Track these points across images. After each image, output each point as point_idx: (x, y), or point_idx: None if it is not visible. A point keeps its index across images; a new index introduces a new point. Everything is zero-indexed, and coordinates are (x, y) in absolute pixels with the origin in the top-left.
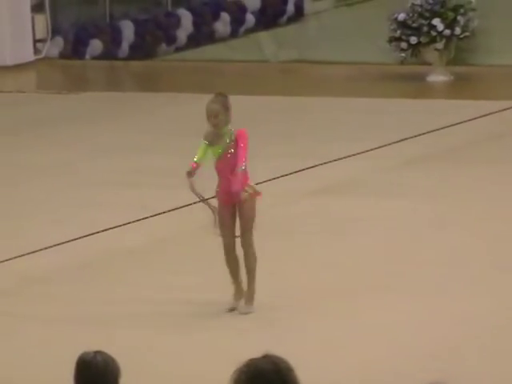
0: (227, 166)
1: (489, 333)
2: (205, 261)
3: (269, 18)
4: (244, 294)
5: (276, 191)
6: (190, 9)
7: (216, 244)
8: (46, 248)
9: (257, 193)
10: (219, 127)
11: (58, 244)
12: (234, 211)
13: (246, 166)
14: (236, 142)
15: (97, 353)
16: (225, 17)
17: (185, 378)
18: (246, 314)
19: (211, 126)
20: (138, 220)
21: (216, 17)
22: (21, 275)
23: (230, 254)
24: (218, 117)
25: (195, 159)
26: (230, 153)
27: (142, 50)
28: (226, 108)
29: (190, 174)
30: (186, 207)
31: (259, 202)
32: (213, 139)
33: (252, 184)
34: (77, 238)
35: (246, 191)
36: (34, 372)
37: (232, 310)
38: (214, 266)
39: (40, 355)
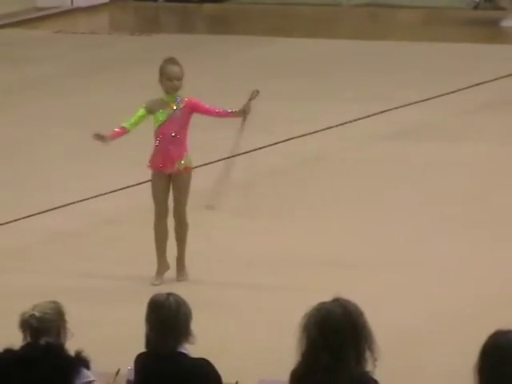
0: (168, 134)
1: None
2: (279, 204)
3: None
4: (178, 264)
5: (349, 135)
6: None
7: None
8: (117, 190)
9: (190, 166)
10: (177, 92)
11: (130, 186)
12: (168, 182)
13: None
14: (190, 109)
15: (169, 295)
16: None
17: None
18: (182, 280)
19: (169, 89)
20: (210, 163)
21: None
22: (93, 216)
23: (160, 222)
24: (181, 80)
25: (125, 124)
26: (176, 121)
27: None
28: (183, 74)
29: (107, 139)
30: (257, 150)
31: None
32: (155, 106)
33: (189, 156)
34: (149, 180)
35: (182, 163)
36: (104, 313)
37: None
38: (288, 209)
39: (111, 296)
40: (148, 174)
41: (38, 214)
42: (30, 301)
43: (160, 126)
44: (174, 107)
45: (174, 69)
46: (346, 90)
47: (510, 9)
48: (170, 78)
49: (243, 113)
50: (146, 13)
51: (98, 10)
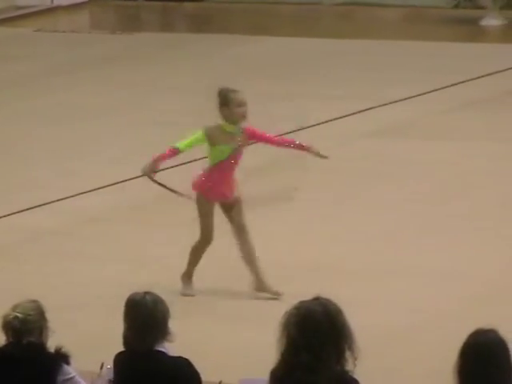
0: (229, 168)
1: None
2: (260, 202)
3: None
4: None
5: (332, 133)
6: None
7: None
8: (99, 188)
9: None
10: (244, 119)
11: (112, 184)
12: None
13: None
14: (249, 138)
15: (146, 293)
16: None
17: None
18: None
19: (239, 117)
20: (191, 161)
21: None
22: (73, 214)
23: (207, 247)
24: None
25: (178, 145)
26: (238, 153)
27: None
28: None
29: (158, 162)
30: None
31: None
32: (218, 137)
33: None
34: (131, 179)
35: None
36: (85, 312)
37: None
38: (270, 207)
39: (91, 295)
40: (130, 172)
41: (20, 212)
42: (10, 300)
43: (224, 159)
44: (239, 139)
45: (241, 95)
46: (329, 88)
47: (490, 7)
48: (240, 104)
49: (308, 149)
50: (127, 11)
51: (79, 9)
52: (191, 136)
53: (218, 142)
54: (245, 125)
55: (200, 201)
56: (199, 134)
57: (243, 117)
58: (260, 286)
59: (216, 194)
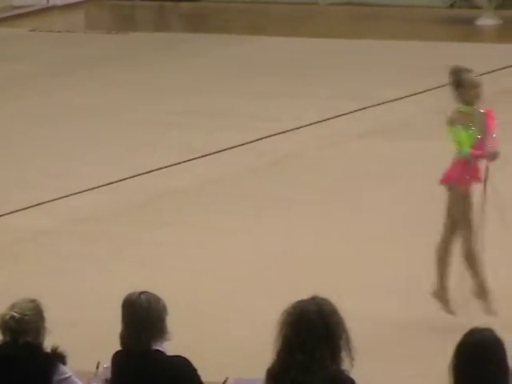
0: (480, 152)
1: None
2: (254, 202)
3: None
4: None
5: (325, 133)
6: None
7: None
8: (94, 188)
9: None
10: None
11: (107, 184)
12: None
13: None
14: (486, 122)
15: (141, 293)
16: None
17: (228, 321)
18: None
19: (475, 98)
20: (186, 161)
21: None
22: (68, 214)
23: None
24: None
25: (465, 149)
26: (482, 137)
27: None
28: None
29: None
30: (233, 148)
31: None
32: (464, 122)
33: None
34: (125, 178)
35: None
36: (81, 312)
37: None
38: (264, 207)
39: (87, 295)
40: (126, 172)
41: (16, 211)
42: (6, 300)
43: (473, 142)
44: (480, 121)
45: (474, 75)
46: (322, 88)
47: (486, 7)
48: (474, 85)
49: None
50: (123, 11)
51: (74, 9)
52: (459, 135)
53: (465, 127)
54: (485, 107)
55: (459, 194)
56: (456, 128)
57: (477, 97)
58: (439, 294)
59: (474, 178)
